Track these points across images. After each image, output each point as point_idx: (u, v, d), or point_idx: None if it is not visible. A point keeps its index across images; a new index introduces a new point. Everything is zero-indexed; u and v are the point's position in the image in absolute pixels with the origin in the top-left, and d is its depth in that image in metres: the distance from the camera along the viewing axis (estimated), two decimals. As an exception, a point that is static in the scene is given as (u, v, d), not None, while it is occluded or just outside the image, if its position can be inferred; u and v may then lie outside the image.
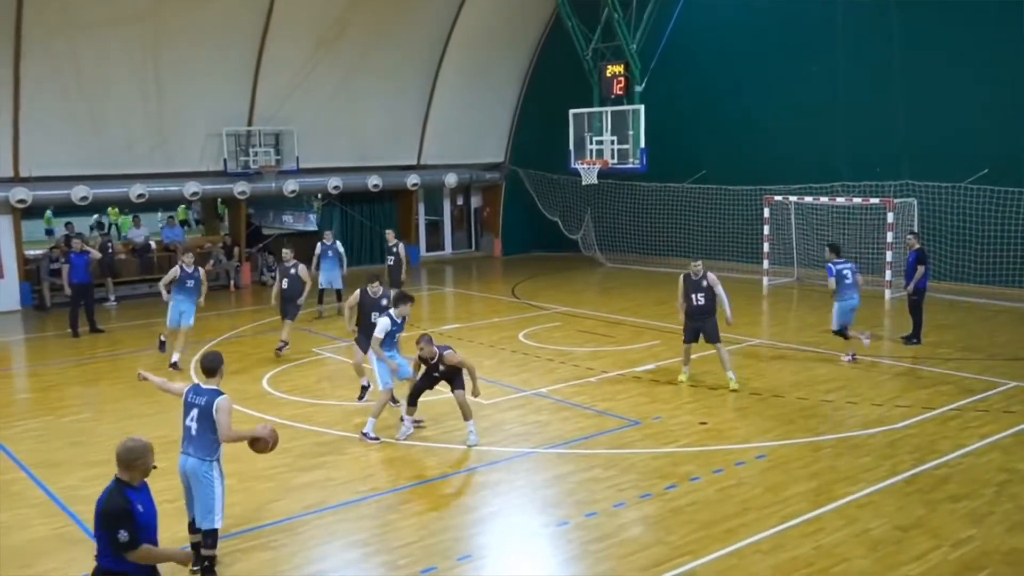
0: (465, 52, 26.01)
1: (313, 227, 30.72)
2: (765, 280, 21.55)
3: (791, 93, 22.14)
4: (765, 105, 22.62)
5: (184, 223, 32.61)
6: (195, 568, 7.17)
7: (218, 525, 7.18)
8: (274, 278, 23.78)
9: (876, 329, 16.53)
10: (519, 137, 28.71)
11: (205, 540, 7.15)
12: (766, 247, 21.79)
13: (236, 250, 24.08)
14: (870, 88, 20.63)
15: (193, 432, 7.17)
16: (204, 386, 7.31)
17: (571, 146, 20.50)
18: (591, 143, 19.93)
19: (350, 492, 9.09)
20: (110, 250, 21.89)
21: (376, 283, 11.91)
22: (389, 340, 10.72)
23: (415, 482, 9.25)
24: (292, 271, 15.40)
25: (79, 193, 21.11)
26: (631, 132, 19.12)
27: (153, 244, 23.74)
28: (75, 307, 17.50)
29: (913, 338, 14.99)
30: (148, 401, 12.75)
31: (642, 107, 19.00)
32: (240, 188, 23.33)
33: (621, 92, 19.63)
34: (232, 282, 23.74)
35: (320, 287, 18.82)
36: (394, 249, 18.11)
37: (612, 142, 19.49)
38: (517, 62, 27.76)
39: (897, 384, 12.80)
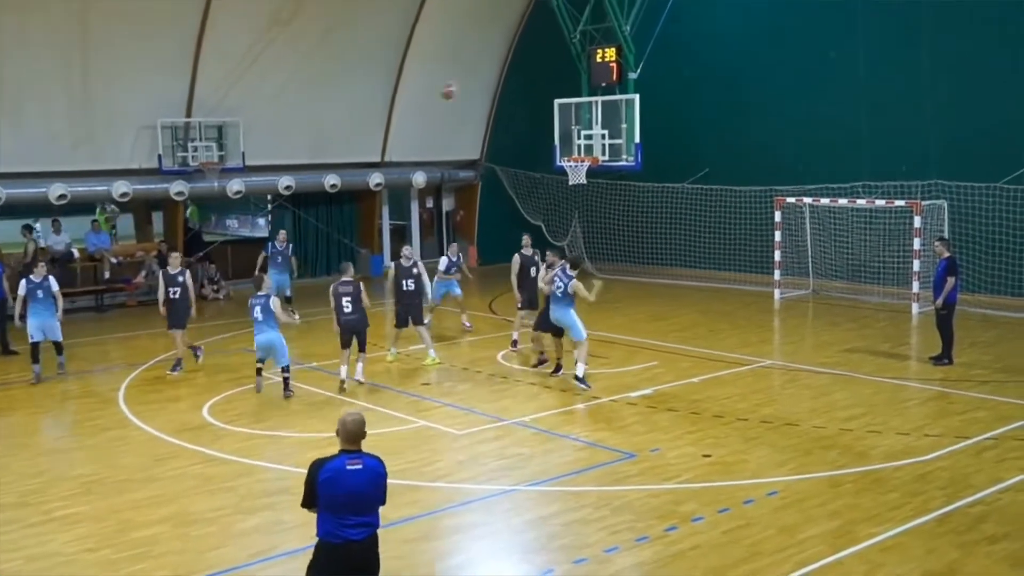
0: (436, 33, 26.03)
1: (263, 232, 30.61)
2: (776, 292, 21.62)
3: (806, 82, 22.28)
4: (776, 95, 22.74)
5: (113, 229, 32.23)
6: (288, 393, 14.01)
7: (289, 361, 14.13)
8: (216, 291, 24.08)
9: (902, 348, 16.65)
10: (497, 131, 28.74)
11: (284, 372, 14.07)
12: (777, 255, 21.87)
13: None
14: (895, 77, 20.78)
15: (262, 318, 13.78)
16: (259, 293, 13.99)
17: (556, 141, 20.50)
18: (579, 138, 19.93)
19: (303, 537, 8.94)
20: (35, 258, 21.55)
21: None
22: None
23: (378, 525, 9.14)
24: (180, 278, 15.70)
25: (-11, 194, 20.90)
26: (624, 125, 19.15)
27: (76, 252, 23.48)
28: (-13, 325, 17.21)
29: (943, 358, 15.07)
30: (70, 434, 12.63)
31: (636, 97, 19.04)
32: (177, 188, 23.17)
33: (613, 80, 19.67)
34: (168, 296, 23.53)
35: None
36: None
37: (603, 137, 19.51)
38: (495, 45, 27.82)
39: (926, 410, 12.85)
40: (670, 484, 10.14)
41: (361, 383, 14.56)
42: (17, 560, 8.63)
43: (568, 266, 14.45)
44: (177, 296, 15.58)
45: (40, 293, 15.48)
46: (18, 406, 14.28)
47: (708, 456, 10.98)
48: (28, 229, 22.61)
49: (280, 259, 19.97)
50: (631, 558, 8.34)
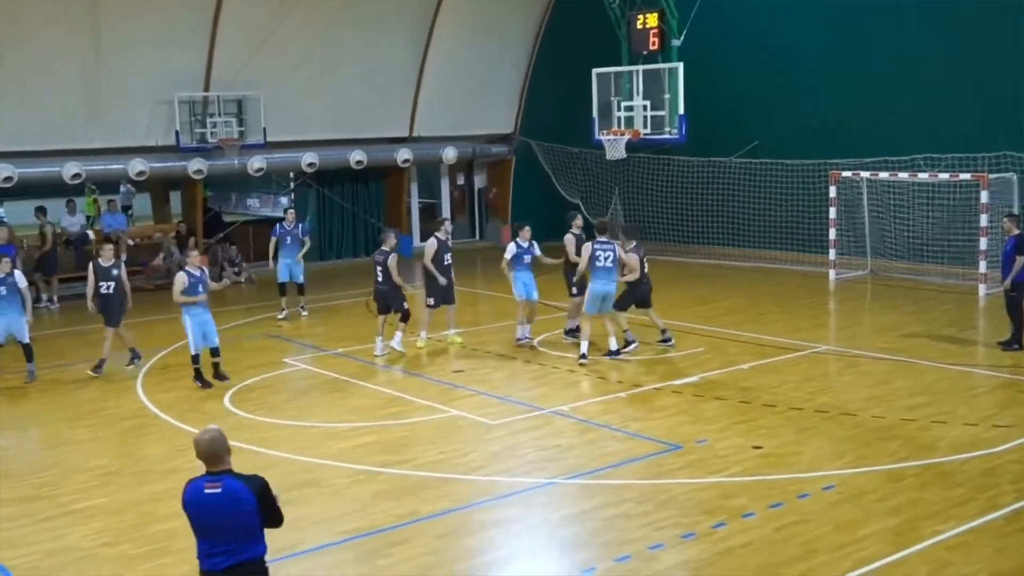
0: (467, 0, 25.97)
1: (278, 212, 30.81)
2: (832, 273, 21.49)
3: (863, 47, 21.99)
4: (830, 62, 22.48)
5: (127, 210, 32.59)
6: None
7: (191, 351, 14.06)
8: (237, 273, 24.16)
9: (968, 332, 16.44)
10: (532, 103, 28.67)
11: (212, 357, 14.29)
12: (832, 233, 21.71)
13: (192, 241, 24.07)
14: (958, 40, 20.50)
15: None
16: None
17: (595, 114, 20.45)
18: (619, 110, 19.89)
19: (329, 533, 9.05)
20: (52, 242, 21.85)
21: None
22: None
23: (407, 520, 9.19)
24: (115, 271, 15.29)
25: (2, 174, 21.15)
26: (667, 96, 19.07)
27: (91, 234, 23.75)
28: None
29: (1013, 343, 14.91)
30: (83, 424, 12.76)
31: (680, 65, 18.93)
32: (195, 166, 23.33)
33: (655, 48, 19.55)
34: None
35: (280, 280, 19.22)
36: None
37: (644, 108, 19.44)
38: (528, 11, 27.72)
39: (994, 399, 12.72)
40: (718, 477, 10.10)
41: (394, 350, 15.77)
42: (33, 555, 8.75)
43: (597, 234, 14.77)
44: (111, 291, 15.12)
45: (3, 290, 14.54)
46: (30, 395, 14.48)
47: (759, 448, 10.92)
48: (42, 211, 22.85)
49: (289, 240, 19.21)
50: (677, 555, 8.31)
